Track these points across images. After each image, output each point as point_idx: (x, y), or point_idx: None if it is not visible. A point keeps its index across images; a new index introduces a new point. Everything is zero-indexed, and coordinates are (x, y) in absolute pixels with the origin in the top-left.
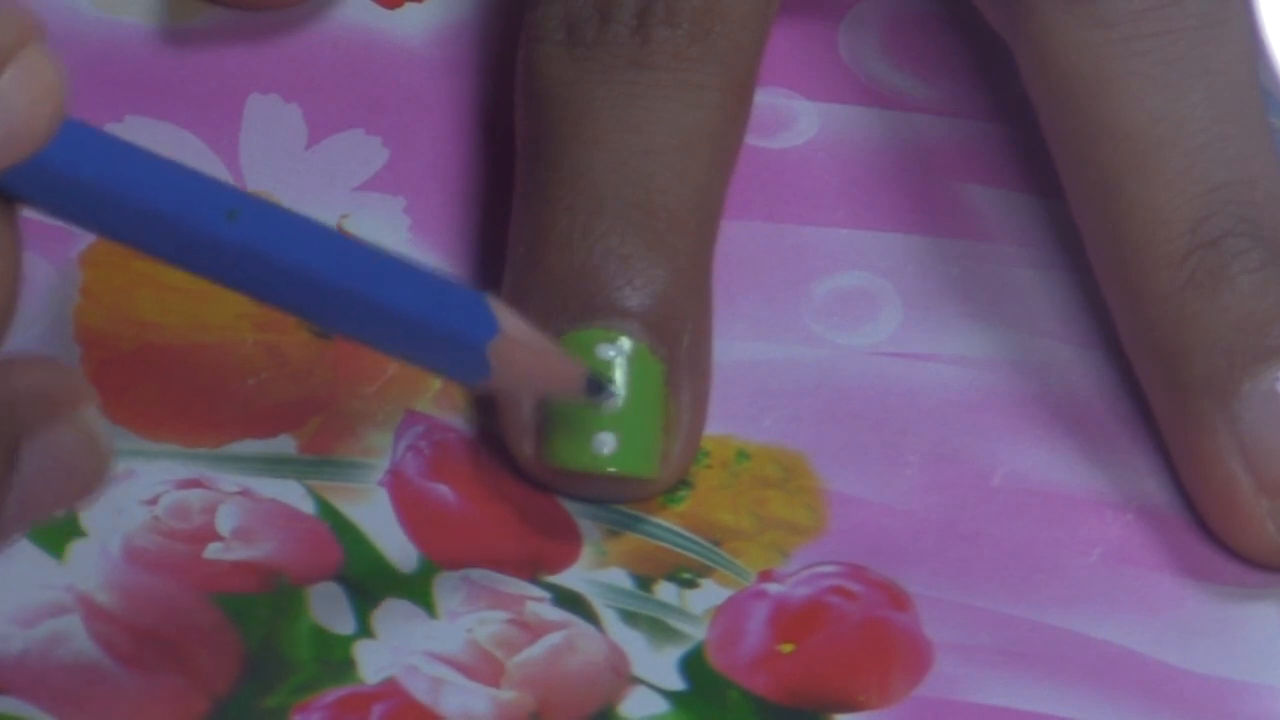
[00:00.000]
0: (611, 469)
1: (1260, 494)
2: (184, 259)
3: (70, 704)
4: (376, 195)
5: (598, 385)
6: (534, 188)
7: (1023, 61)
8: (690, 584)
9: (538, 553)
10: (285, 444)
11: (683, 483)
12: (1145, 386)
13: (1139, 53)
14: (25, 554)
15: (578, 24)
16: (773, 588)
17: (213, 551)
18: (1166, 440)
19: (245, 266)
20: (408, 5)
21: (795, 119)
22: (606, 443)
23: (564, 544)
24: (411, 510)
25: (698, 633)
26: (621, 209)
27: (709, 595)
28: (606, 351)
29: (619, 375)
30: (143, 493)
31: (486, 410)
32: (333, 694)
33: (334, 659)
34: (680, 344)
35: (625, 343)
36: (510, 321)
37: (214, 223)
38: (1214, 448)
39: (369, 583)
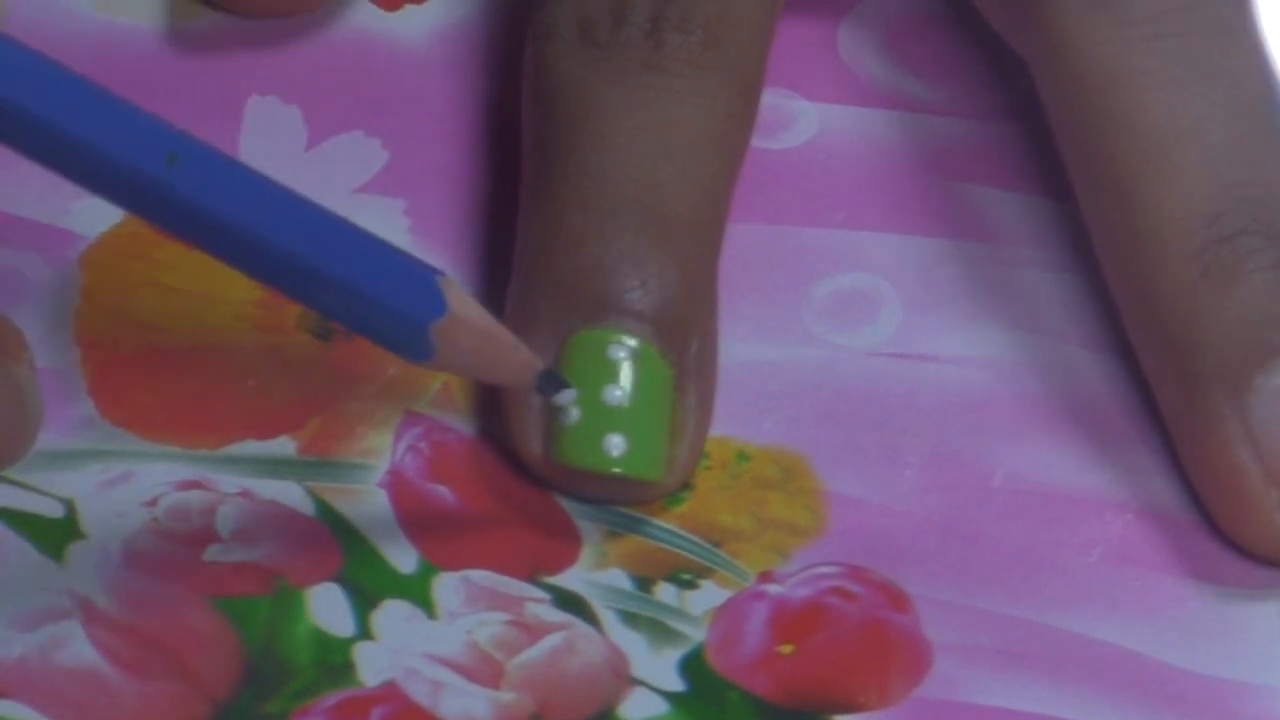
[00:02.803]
0: (618, 470)
1: (1270, 485)
2: (118, 196)
3: (69, 709)
4: (377, 197)
5: (553, 381)
6: (544, 186)
7: (1035, 59)
8: (690, 585)
9: (537, 554)
10: (285, 445)
11: (683, 484)
12: (1153, 380)
13: (1159, 51)
14: (25, 556)
15: (590, 24)
16: (772, 589)
17: (213, 553)
18: (1174, 434)
19: (182, 214)
20: (407, 7)
21: (795, 119)
22: (616, 445)
23: (564, 545)
24: (411, 511)
25: (697, 634)
26: (634, 211)
27: (709, 596)
28: (616, 352)
29: (627, 376)
30: (142, 494)
31: (486, 411)
32: (332, 698)
33: (333, 662)
34: (689, 348)
35: (636, 345)
36: (461, 304)
37: (153, 165)
38: (1224, 440)
39: (368, 584)
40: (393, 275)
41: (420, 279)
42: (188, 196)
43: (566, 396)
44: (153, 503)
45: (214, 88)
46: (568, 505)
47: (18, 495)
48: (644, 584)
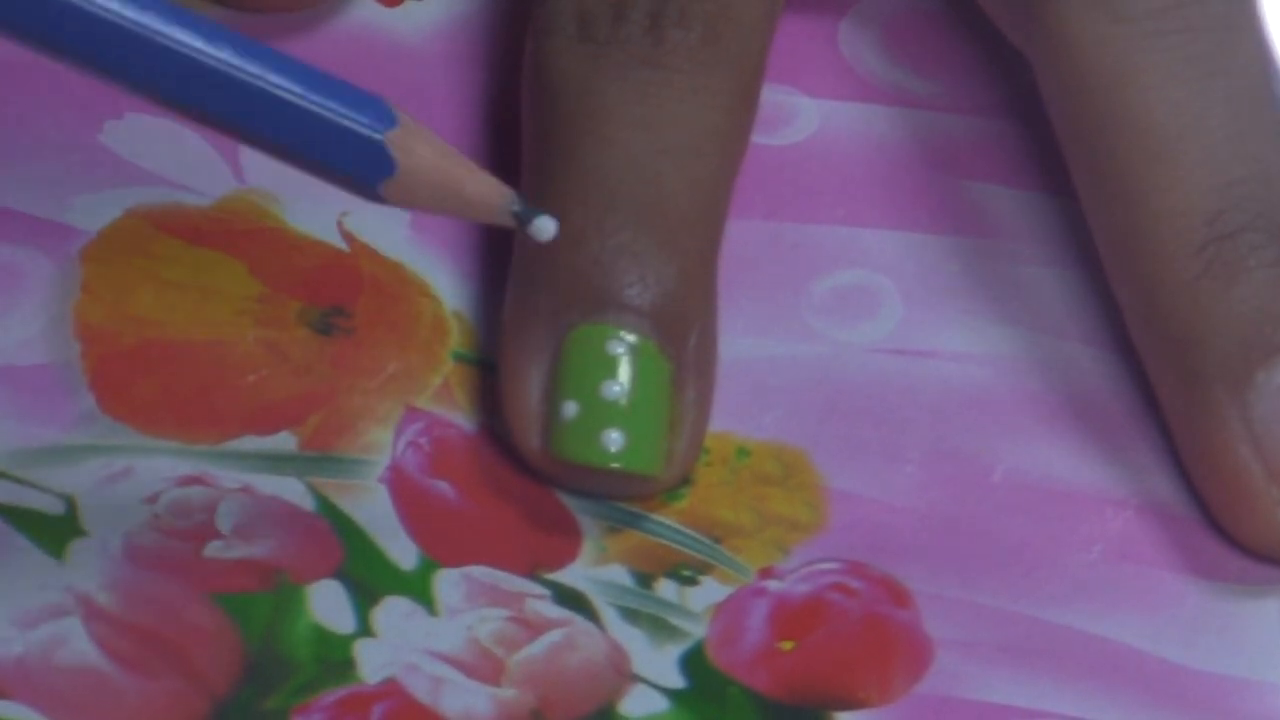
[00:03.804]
0: (617, 465)
1: (1271, 483)
2: (45, 34)
3: (70, 707)
4: None
5: (527, 211)
6: (544, 181)
7: (1036, 55)
8: (690, 581)
9: (538, 550)
10: (285, 440)
11: (683, 480)
12: (1154, 377)
13: (1160, 48)
14: (25, 554)
15: (590, 20)
16: (773, 585)
17: (213, 550)
18: (1174, 431)
19: (113, 42)
20: (408, 3)
21: (795, 115)
22: (615, 440)
23: (564, 541)
24: (412, 507)
25: (698, 630)
26: (633, 206)
27: (709, 592)
28: (615, 347)
29: (626, 372)
30: (143, 490)
31: (487, 406)
32: (333, 695)
33: (334, 659)
34: (688, 343)
35: (634, 340)
36: (411, 119)
37: None
38: (1225, 437)
39: (369, 580)
40: (339, 93)
41: (367, 98)
42: (119, 20)
43: (546, 225)
44: (153, 499)
45: None
46: (568, 501)
47: (18, 492)
48: (645, 580)
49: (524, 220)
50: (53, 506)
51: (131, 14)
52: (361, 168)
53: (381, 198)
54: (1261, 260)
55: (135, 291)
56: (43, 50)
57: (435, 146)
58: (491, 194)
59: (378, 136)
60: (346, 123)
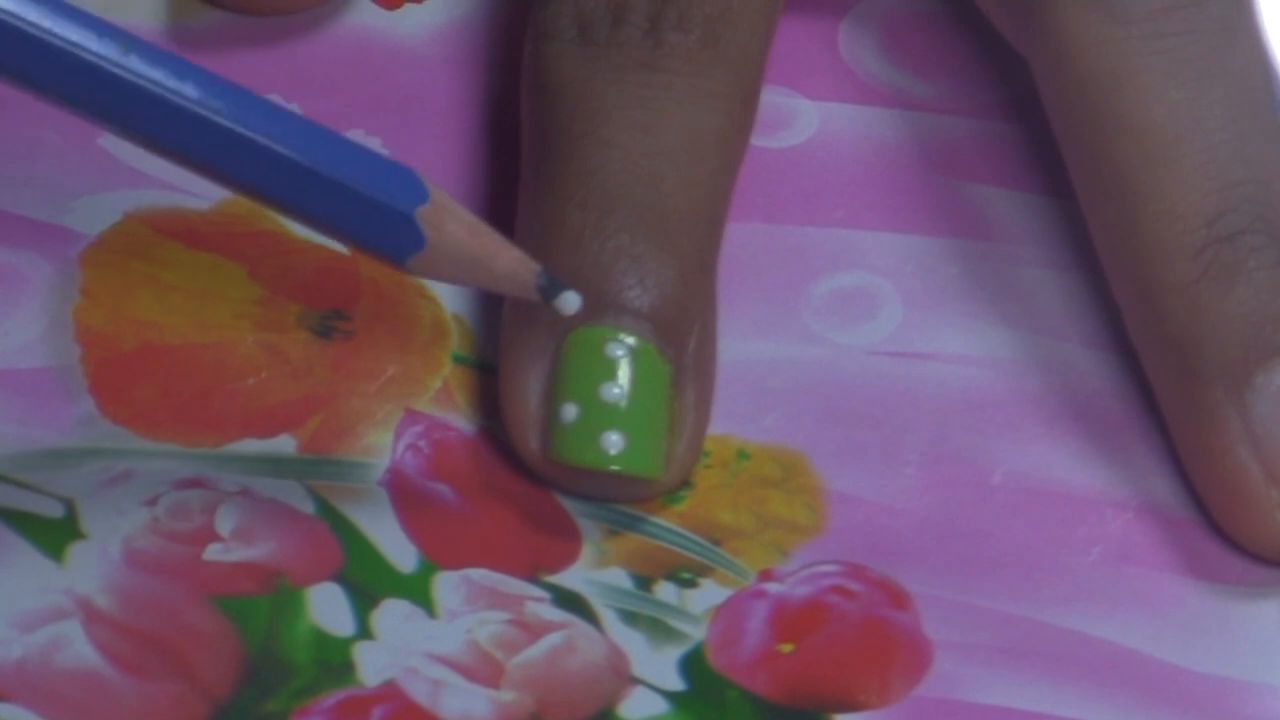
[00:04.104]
0: (616, 468)
1: (1270, 485)
2: (76, 95)
3: (69, 710)
4: None
5: (554, 284)
6: (543, 183)
7: (1036, 58)
8: (690, 584)
9: (537, 552)
10: (285, 443)
11: (683, 482)
12: (1153, 380)
13: (1159, 50)
14: (25, 557)
15: (589, 23)
16: (772, 587)
17: (213, 553)
18: (1174, 433)
19: (141, 106)
20: (407, 5)
21: (795, 118)
22: (614, 442)
23: (564, 543)
24: (411, 510)
25: (697, 633)
26: (632, 208)
27: (709, 595)
28: (615, 350)
29: (625, 374)
30: (142, 493)
31: (487, 409)
32: (332, 697)
33: (333, 661)
34: (687, 346)
35: (634, 342)
36: (442, 194)
37: (110, 54)
38: (1224, 438)
39: (368, 583)
40: (371, 166)
41: (399, 170)
42: (149, 83)
43: (571, 301)
44: (153, 501)
45: None
46: (568, 504)
47: (18, 495)
48: (644, 582)
49: (549, 294)
50: (52, 509)
51: (160, 78)
52: (391, 242)
53: (407, 269)
54: (1261, 262)
55: (135, 295)
56: (78, 112)
57: (465, 222)
58: (518, 268)
59: (409, 211)
60: (377, 196)
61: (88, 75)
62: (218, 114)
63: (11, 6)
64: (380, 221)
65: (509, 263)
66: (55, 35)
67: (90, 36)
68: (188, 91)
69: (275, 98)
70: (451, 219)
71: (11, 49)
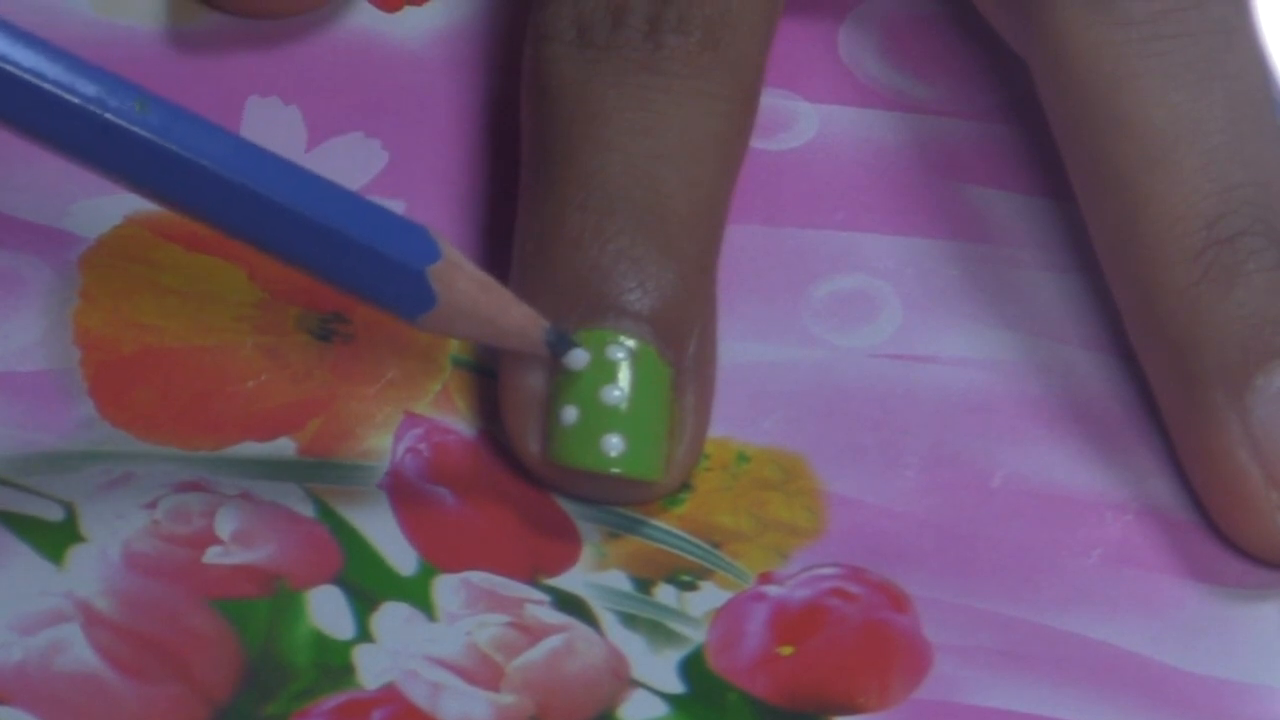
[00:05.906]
0: (616, 470)
1: (1270, 487)
2: (90, 150)
3: (69, 713)
4: (377, 198)
5: (563, 340)
6: (543, 186)
7: (1035, 60)
8: (690, 586)
9: (537, 555)
10: (285, 446)
11: (683, 485)
12: (1153, 382)
13: (1159, 52)
14: (24, 560)
15: (589, 25)
16: (772, 590)
17: (212, 556)
18: (1174, 435)
19: (157, 160)
20: (407, 8)
21: (795, 120)
22: (614, 445)
23: (563, 546)
24: (411, 512)
25: (697, 635)
26: (633, 211)
27: (708, 598)
28: (615, 353)
29: (625, 377)
30: (142, 496)
31: (487, 412)
32: (332, 700)
33: (333, 664)
34: (687, 348)
35: (634, 345)
36: (454, 252)
37: (125, 111)
38: (1224, 441)
39: (368, 586)
40: (384, 224)
41: (411, 228)
42: (164, 139)
43: (579, 358)
44: (152, 504)
45: (214, 88)
46: (568, 506)
47: (18, 498)
48: (644, 585)
49: (558, 350)
50: (52, 512)
51: (173, 134)
52: (402, 300)
53: (418, 325)
54: (1260, 264)
55: (134, 298)
56: (83, 164)
57: (476, 279)
58: (528, 325)
59: (420, 270)
60: (390, 254)
61: (99, 131)
62: (229, 170)
63: (28, 63)
64: (392, 279)
65: (519, 319)
66: (71, 91)
67: (104, 92)
68: (199, 147)
69: (275, 100)
70: (463, 276)
71: (33, 109)
